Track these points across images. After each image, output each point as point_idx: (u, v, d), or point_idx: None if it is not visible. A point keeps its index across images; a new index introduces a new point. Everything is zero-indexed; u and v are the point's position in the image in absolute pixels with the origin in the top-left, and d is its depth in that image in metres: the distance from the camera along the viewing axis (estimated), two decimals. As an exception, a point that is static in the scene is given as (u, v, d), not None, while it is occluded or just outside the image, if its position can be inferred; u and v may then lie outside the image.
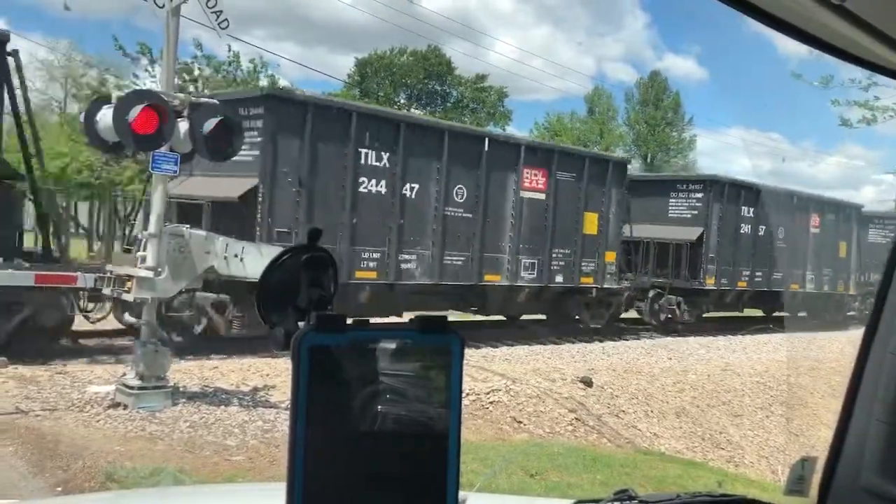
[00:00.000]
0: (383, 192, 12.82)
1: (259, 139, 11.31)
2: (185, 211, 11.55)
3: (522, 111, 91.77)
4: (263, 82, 27.15)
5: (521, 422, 9.11)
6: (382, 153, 12.77)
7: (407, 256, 13.17)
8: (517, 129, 48.04)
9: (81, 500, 3.15)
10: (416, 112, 35.74)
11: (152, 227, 7.72)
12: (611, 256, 16.68)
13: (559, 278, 15.75)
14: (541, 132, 46.26)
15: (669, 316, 18.57)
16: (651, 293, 18.58)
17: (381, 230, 12.89)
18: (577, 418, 9.61)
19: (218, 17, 7.96)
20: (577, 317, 16.53)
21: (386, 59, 46.69)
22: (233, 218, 11.12)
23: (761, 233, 20.28)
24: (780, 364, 14.72)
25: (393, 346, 0.74)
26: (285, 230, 11.34)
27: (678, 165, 50.11)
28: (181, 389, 8.33)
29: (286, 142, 11.71)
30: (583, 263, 16.09)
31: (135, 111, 7.21)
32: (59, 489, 5.50)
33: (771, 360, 14.68)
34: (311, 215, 11.79)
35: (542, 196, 15.20)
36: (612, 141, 49.87)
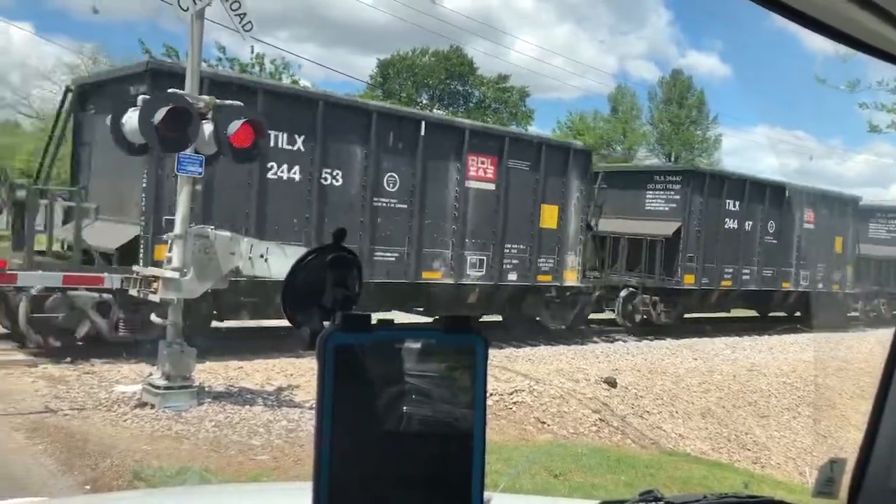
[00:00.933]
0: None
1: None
2: None
3: (545, 110, 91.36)
4: (286, 82, 27.32)
5: (544, 422, 9.09)
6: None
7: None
8: (540, 129, 47.90)
9: (109, 499, 3.19)
10: (438, 112, 35.67)
11: (178, 229, 7.80)
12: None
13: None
14: (563, 131, 46.12)
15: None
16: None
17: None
18: (601, 419, 9.57)
19: (241, 19, 8.02)
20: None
21: (408, 60, 46.77)
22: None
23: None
24: (807, 364, 14.56)
25: (417, 345, 0.74)
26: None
27: (703, 164, 49.72)
28: (206, 389, 8.41)
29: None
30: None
31: (160, 113, 7.29)
32: (88, 487, 5.57)
33: (798, 361, 14.52)
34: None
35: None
36: (635, 140, 49.61)
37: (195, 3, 7.66)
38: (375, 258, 12.46)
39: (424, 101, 46.13)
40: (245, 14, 8.02)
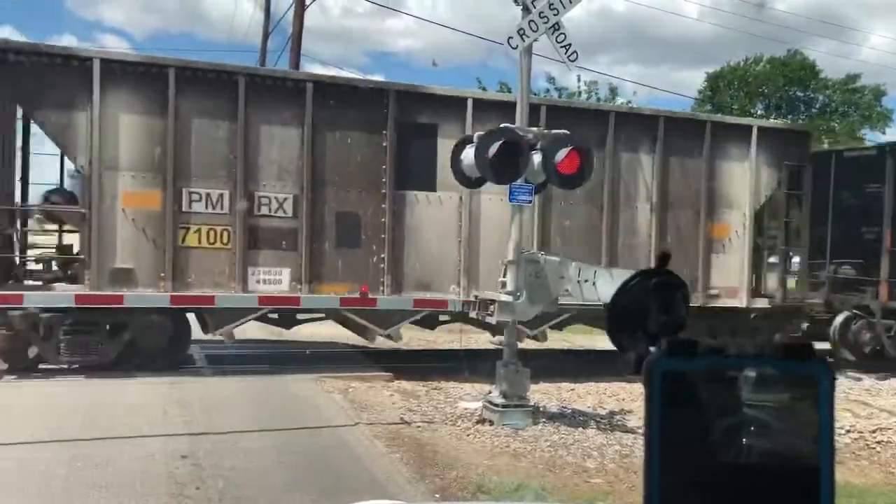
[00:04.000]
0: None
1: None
2: None
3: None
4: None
5: (917, 466, 7.88)
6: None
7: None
8: (900, 131, 42.14)
9: None
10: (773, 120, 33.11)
11: (511, 254, 8.22)
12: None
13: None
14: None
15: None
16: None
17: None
18: None
19: (567, 50, 8.27)
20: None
21: (740, 70, 44.24)
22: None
23: None
24: None
25: (752, 373, 0.69)
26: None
27: None
28: (541, 409, 8.67)
29: None
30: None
31: (494, 147, 7.77)
32: (437, 496, 6.01)
33: None
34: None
35: None
36: None
37: (523, 41, 8.07)
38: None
39: (759, 112, 43.23)
40: (570, 45, 8.25)
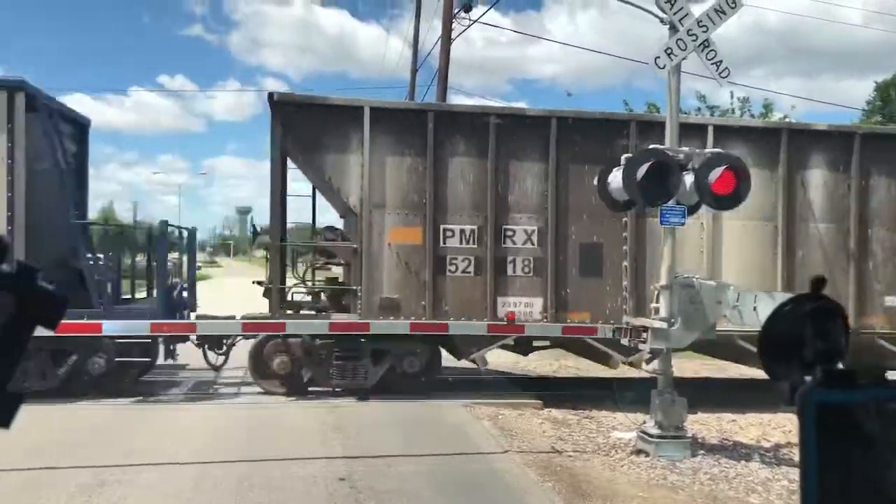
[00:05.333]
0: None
1: None
2: None
3: None
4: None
5: None
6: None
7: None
8: None
9: None
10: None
11: (663, 279, 7.97)
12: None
13: None
14: None
15: None
16: None
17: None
18: None
19: (718, 67, 7.99)
20: None
21: (915, 77, 40.88)
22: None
23: None
24: None
25: None
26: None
27: None
28: (699, 441, 8.30)
29: None
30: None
31: (642, 170, 7.60)
32: (590, 527, 5.90)
33: None
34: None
35: None
36: None
37: (671, 60, 7.88)
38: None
39: (939, 120, 39.68)
40: (721, 61, 7.97)
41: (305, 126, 10.49)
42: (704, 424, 9.23)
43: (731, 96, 27.63)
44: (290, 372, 10.43)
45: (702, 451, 7.97)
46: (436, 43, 21.29)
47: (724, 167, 7.63)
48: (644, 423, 8.25)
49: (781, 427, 9.22)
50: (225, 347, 10.69)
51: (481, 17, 20.21)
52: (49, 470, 6.80)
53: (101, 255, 12.00)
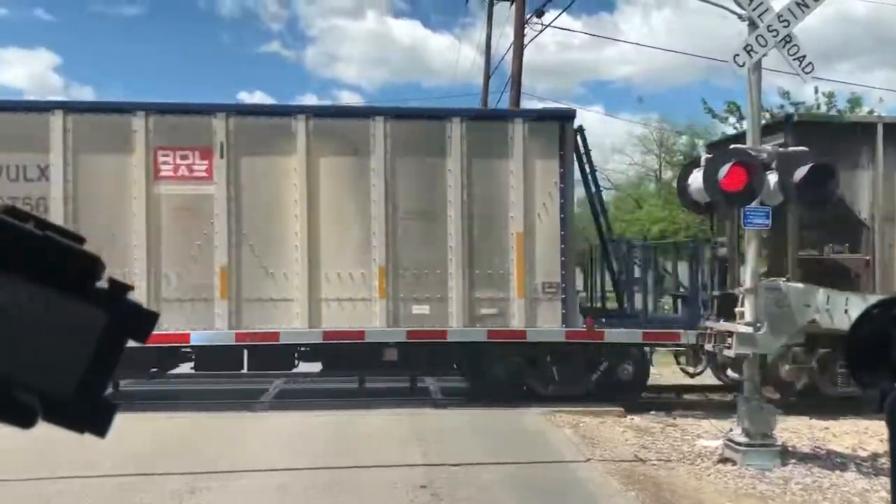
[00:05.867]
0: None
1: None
2: None
3: None
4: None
5: None
6: None
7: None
8: None
9: None
10: None
11: (748, 283, 7.73)
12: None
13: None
14: None
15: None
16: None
17: None
18: None
19: (801, 62, 7.73)
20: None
21: None
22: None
23: None
24: None
25: None
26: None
27: None
28: (790, 449, 8.01)
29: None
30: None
31: (723, 170, 7.41)
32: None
33: None
34: None
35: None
36: None
37: (751, 57, 7.67)
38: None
39: None
40: (804, 56, 7.71)
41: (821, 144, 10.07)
42: (795, 432, 8.89)
43: (816, 91, 26.67)
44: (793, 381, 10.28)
45: (793, 460, 7.68)
46: (508, 49, 21.28)
47: (808, 165, 7.37)
48: (730, 430, 8.02)
49: (879, 435, 8.79)
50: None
51: (553, 21, 20.10)
52: (143, 476, 7.07)
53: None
